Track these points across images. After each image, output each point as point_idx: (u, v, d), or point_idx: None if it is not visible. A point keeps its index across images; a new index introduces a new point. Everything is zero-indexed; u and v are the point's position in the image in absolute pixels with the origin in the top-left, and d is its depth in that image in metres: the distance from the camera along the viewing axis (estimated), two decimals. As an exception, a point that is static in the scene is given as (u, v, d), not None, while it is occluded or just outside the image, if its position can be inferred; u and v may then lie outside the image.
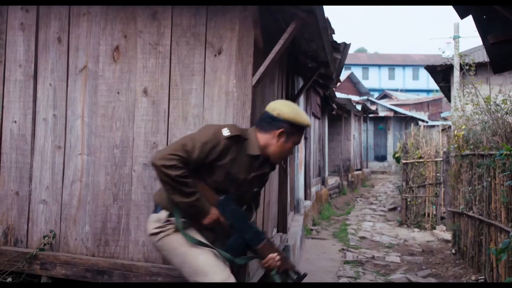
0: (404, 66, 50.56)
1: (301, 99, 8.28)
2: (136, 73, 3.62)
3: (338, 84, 9.97)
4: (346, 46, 5.51)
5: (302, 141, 9.19)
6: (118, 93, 3.65)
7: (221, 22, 3.48)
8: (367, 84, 42.21)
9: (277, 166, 5.25)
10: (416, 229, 10.08)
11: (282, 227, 5.56)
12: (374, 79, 49.77)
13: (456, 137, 7.34)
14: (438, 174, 10.43)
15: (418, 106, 31.54)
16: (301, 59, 5.92)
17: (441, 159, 10.30)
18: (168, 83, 3.57)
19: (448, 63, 13.20)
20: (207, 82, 3.50)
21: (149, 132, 3.59)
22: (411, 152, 11.05)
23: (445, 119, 18.63)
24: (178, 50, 3.55)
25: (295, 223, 7.22)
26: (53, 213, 3.77)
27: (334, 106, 13.72)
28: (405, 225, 10.46)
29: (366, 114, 22.10)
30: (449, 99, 14.30)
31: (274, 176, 5.06)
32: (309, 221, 9.67)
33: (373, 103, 26.58)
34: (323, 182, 13.23)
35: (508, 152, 4.61)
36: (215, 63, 3.49)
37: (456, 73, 12.61)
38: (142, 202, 3.58)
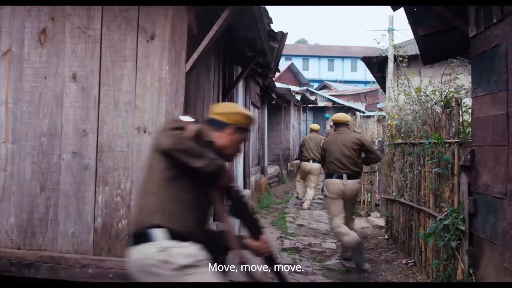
0: (343, 57, 51.70)
1: (240, 88, 8.26)
2: (65, 57, 3.48)
3: (278, 74, 10.05)
4: (283, 35, 5.53)
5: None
6: (46, 78, 3.49)
7: (154, 6, 3.39)
8: (307, 75, 42.80)
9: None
10: (352, 216, 10.31)
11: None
12: (314, 70, 50.60)
13: (390, 127, 7.55)
14: (373, 163, 10.71)
15: (356, 96, 32.38)
16: (240, 48, 5.89)
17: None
18: (98, 68, 3.45)
19: (384, 55, 13.55)
20: (140, 68, 3.41)
21: (79, 119, 3.46)
22: (348, 141, 11.26)
23: (381, 109, 19.19)
24: (109, 35, 3.44)
25: (234, 212, 7.20)
26: (-25, 205, 3.57)
27: (274, 95, 13.82)
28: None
29: (305, 104, 22.39)
30: (384, 90, 14.71)
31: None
32: (248, 210, 9.67)
33: (312, 93, 27.05)
34: (263, 171, 13.31)
35: (436, 141, 4.81)
36: (147, 49, 3.40)
37: (391, 64, 12.98)
38: (71, 192, 3.45)
